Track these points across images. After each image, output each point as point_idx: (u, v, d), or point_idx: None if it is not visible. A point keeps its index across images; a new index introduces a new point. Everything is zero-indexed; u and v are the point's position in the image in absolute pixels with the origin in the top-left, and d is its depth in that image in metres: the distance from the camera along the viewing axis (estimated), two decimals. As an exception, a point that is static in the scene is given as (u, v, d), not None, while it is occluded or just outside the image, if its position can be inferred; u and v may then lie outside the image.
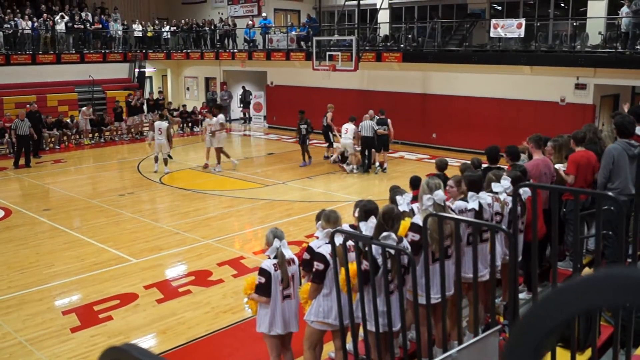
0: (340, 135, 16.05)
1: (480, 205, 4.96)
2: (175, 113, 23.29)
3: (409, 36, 20.57)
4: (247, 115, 26.12)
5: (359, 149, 15.79)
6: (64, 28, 22.90)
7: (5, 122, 19.10)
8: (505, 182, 5.31)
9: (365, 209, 4.72)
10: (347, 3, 20.59)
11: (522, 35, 16.96)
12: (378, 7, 20.57)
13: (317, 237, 4.87)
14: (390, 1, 22.74)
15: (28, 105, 18.20)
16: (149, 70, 26.01)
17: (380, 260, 4.00)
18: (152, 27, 26.18)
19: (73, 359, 6.32)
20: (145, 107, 22.55)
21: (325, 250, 4.55)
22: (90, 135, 20.85)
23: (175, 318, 7.27)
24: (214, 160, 16.15)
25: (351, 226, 5.07)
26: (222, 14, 26.76)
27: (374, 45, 21.00)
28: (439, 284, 4.03)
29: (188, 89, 27.89)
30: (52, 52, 22.39)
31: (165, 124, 15.65)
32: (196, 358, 6.47)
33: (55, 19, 22.87)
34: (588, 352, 3.98)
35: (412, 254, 3.99)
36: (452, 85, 18.64)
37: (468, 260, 4.42)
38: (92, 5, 26.10)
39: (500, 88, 17.60)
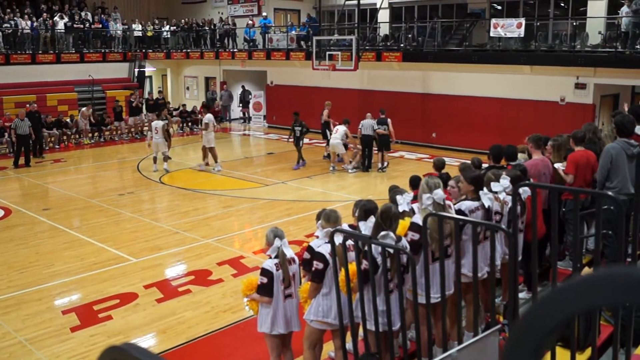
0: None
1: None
2: (174, 112, 23.30)
3: (409, 36, 20.57)
4: (246, 115, 26.13)
5: (359, 147, 15.81)
6: (62, 28, 22.88)
7: (4, 121, 19.10)
8: (505, 182, 5.31)
9: (365, 209, 4.72)
10: (347, 3, 20.57)
11: (522, 35, 16.96)
12: (378, 6, 20.56)
13: (317, 237, 4.88)
14: (390, 1, 22.74)
15: (28, 105, 18.20)
16: (148, 69, 26.00)
17: (379, 260, 4.00)
18: (152, 27, 26.18)
19: (73, 359, 6.31)
20: (144, 107, 22.54)
21: (325, 249, 4.55)
22: (90, 135, 20.85)
23: (175, 317, 7.27)
24: (212, 160, 16.17)
25: (350, 226, 5.07)
26: (222, 13, 26.76)
27: (373, 44, 21.00)
28: (439, 283, 4.03)
29: (188, 88, 27.89)
30: (51, 51, 22.38)
31: (161, 122, 15.69)
32: (196, 357, 6.47)
33: (55, 19, 22.86)
34: (588, 352, 3.98)
35: (412, 254, 3.99)
36: (452, 85, 18.64)
37: (469, 259, 4.42)
38: (92, 5, 26.10)
39: (500, 88, 17.60)
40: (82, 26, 23.58)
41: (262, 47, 24.20)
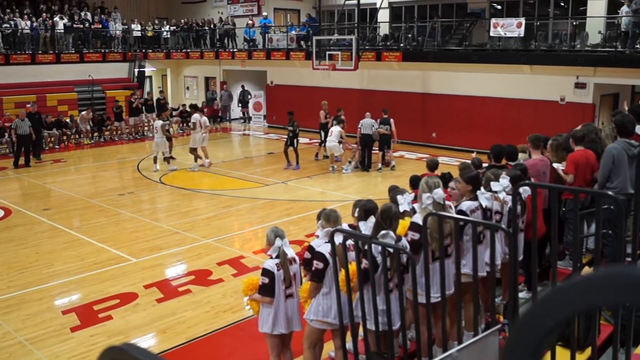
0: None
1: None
2: (174, 112, 23.29)
3: (409, 35, 20.57)
4: (246, 115, 26.12)
5: (354, 146, 15.79)
6: (62, 28, 22.88)
7: (4, 121, 19.10)
8: (504, 181, 5.31)
9: (365, 209, 4.72)
10: (347, 2, 20.56)
11: (522, 35, 16.96)
12: (378, 6, 20.57)
13: (318, 236, 4.88)
14: (390, 0, 22.74)
15: (28, 105, 18.19)
16: (148, 69, 25.99)
17: (379, 259, 4.00)
18: (151, 27, 26.17)
19: (73, 359, 6.31)
20: (143, 107, 22.52)
21: (325, 249, 4.55)
22: (90, 135, 20.85)
23: (175, 317, 7.27)
24: (212, 159, 16.16)
25: (350, 226, 5.07)
26: (221, 13, 26.76)
27: (373, 44, 21.00)
28: (439, 283, 4.03)
29: (188, 88, 27.88)
30: (51, 51, 22.38)
31: (160, 122, 15.71)
32: (196, 357, 6.47)
33: (54, 19, 22.86)
34: (588, 351, 3.98)
35: (412, 253, 3.99)
36: (452, 85, 18.64)
37: (469, 259, 4.42)
38: (91, 5, 26.09)
39: (500, 87, 17.60)
40: (82, 26, 23.58)
41: (262, 47, 24.20)
